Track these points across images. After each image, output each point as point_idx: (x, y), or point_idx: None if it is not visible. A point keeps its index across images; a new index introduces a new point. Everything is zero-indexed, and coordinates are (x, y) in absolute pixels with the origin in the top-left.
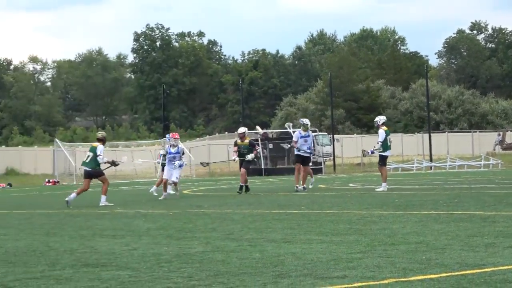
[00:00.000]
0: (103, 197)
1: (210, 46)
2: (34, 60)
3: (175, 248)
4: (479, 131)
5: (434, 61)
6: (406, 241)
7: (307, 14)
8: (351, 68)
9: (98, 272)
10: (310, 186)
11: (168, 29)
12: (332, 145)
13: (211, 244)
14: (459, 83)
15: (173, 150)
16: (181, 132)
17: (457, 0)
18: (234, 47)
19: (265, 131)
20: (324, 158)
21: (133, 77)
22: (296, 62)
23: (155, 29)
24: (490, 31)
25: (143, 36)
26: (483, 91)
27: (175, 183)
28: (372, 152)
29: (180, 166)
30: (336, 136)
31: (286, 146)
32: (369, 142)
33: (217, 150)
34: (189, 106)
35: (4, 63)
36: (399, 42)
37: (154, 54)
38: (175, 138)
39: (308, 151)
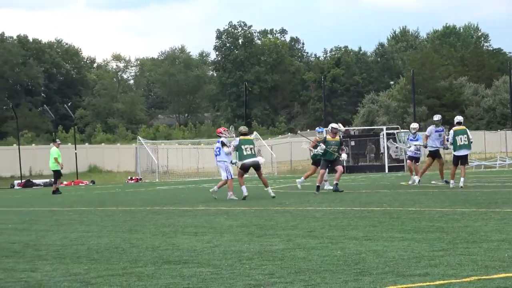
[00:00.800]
0: (244, 188)
1: (292, 43)
2: (117, 58)
3: (257, 245)
4: None
5: None
6: (488, 239)
7: (389, 11)
8: (433, 65)
9: (180, 269)
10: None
11: (250, 26)
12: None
13: (292, 242)
14: None
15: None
16: (263, 130)
17: None
18: (316, 44)
19: (347, 128)
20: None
21: (215, 74)
22: (379, 59)
23: (238, 26)
24: None
25: (225, 34)
26: None
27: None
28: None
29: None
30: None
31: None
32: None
33: (299, 148)
34: (271, 104)
35: (87, 61)
36: (482, 38)
37: (236, 52)
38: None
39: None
